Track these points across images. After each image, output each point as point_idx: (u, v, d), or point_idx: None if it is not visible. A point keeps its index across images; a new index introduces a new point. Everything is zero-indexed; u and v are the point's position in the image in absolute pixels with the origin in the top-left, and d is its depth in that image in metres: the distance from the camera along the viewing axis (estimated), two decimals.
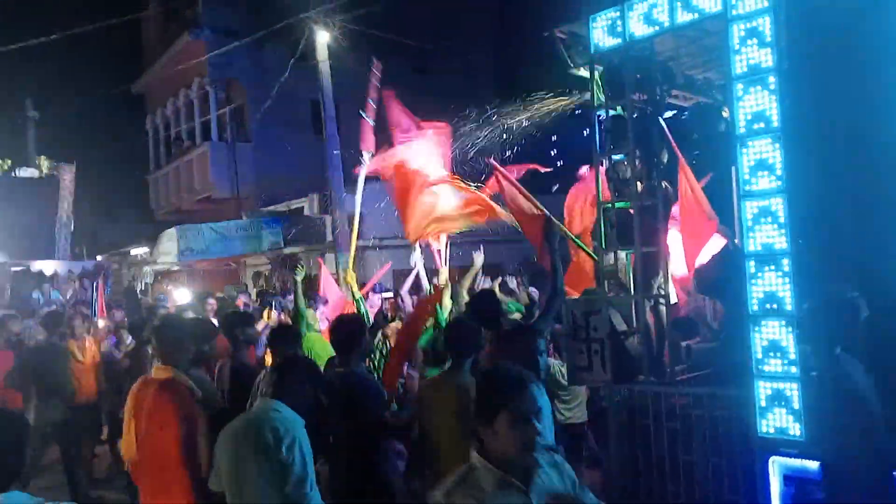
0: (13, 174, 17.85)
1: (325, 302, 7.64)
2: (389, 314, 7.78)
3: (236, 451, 3.36)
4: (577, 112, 7.25)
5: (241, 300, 11.22)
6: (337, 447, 4.04)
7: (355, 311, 7.13)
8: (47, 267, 14.31)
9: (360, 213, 15.08)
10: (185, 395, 3.98)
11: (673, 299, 5.80)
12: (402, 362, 5.82)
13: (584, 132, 6.86)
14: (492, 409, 2.31)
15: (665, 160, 6.00)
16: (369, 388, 4.26)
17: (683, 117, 6.85)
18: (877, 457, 3.23)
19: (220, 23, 18.89)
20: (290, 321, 7.37)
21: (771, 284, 4.75)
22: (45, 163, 18.22)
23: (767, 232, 4.75)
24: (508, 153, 7.90)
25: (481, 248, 7.59)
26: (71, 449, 7.54)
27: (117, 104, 23.04)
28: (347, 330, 4.34)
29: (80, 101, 20.50)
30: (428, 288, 7.91)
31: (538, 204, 6.44)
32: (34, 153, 20.06)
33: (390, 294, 9.62)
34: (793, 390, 4.66)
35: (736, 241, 5.38)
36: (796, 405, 4.63)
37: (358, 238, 14.74)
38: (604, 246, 5.83)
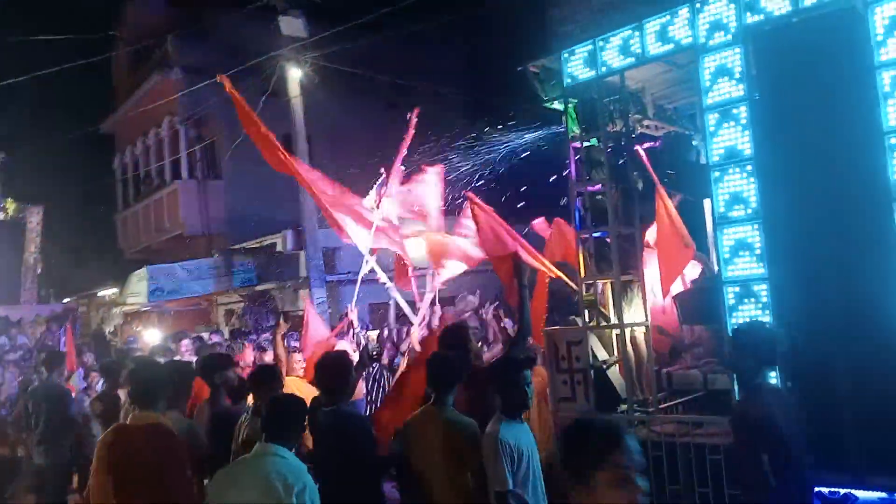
0: None
1: (299, 350, 7.47)
2: (375, 352, 7.66)
3: (241, 498, 3.24)
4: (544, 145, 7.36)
5: (213, 339, 11.01)
6: (328, 487, 3.93)
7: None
8: (13, 311, 13.95)
9: (335, 249, 15.10)
10: (175, 439, 3.84)
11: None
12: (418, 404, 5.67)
13: (557, 163, 6.93)
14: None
15: (640, 188, 6.08)
16: (359, 426, 4.18)
17: (655, 147, 6.96)
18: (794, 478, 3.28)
19: (190, 61, 18.85)
20: (265, 360, 7.24)
21: (750, 313, 4.82)
22: (11, 205, 17.87)
23: (744, 262, 4.83)
24: (484, 183, 7.94)
25: (478, 292, 7.60)
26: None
27: (86, 144, 22.77)
28: (335, 368, 4.26)
29: (48, 142, 20.18)
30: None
31: (515, 234, 6.46)
32: (0, 195, 19.69)
33: (374, 331, 9.50)
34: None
35: (716, 269, 5.42)
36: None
37: (333, 272, 14.75)
38: (582, 275, 5.86)
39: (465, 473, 3.81)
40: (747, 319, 4.69)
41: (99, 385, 8.25)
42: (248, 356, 7.57)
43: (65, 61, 13.61)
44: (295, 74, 13.21)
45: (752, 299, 4.77)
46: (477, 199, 6.69)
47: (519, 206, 7.65)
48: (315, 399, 4.29)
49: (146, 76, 20.50)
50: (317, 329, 7.33)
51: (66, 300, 19.45)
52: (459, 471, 3.82)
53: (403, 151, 7.49)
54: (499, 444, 3.60)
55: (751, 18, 4.93)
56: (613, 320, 5.86)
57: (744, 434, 3.32)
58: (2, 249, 16.34)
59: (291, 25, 12.97)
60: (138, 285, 16.48)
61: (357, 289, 7.62)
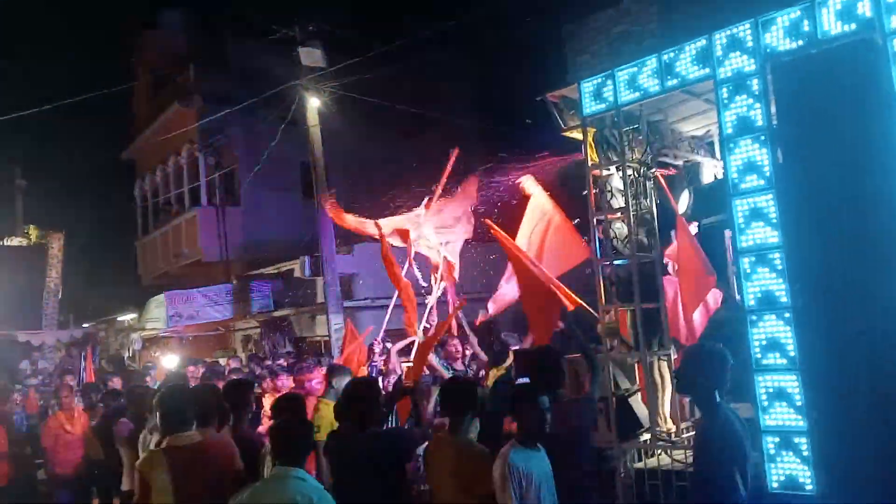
0: (1, 244, 17.73)
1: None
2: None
3: None
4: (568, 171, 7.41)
5: (230, 364, 11.07)
6: None
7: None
8: (35, 337, 14.12)
9: (352, 275, 15.19)
10: (230, 450, 3.99)
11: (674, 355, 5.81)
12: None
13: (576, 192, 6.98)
14: None
15: (658, 217, 6.11)
16: (396, 444, 4.22)
17: (675, 175, 7.00)
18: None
19: (210, 90, 19.19)
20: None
21: (772, 332, 4.80)
22: (33, 231, 18.15)
23: (766, 280, 4.83)
24: (503, 213, 8.02)
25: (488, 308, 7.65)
26: None
27: (106, 172, 23.19)
28: (362, 393, 4.29)
29: (69, 169, 20.59)
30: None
31: (534, 262, 6.50)
32: (22, 222, 19.99)
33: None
34: (801, 440, 4.67)
35: (737, 296, 5.42)
36: (805, 453, 4.62)
37: (350, 298, 14.82)
38: (603, 302, 5.87)
39: (474, 498, 3.82)
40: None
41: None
42: (283, 383, 7.55)
43: (87, 89, 13.91)
44: (314, 103, 13.41)
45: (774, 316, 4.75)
46: (496, 228, 6.75)
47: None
48: (343, 426, 4.31)
49: (166, 104, 20.87)
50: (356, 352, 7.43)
51: (85, 325, 19.63)
52: (469, 495, 3.84)
53: (440, 188, 7.74)
54: (507, 468, 3.64)
55: (769, 49, 4.99)
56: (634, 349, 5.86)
57: (716, 453, 3.33)
58: (24, 275, 16.54)
59: (311, 55, 13.18)
60: (157, 311, 16.63)
61: (388, 315, 7.76)
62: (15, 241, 17.83)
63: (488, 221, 6.95)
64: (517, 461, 3.67)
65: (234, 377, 8.31)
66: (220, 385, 5.74)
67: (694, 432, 5.78)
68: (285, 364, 9.52)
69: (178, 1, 22.91)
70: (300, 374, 6.82)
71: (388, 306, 8.54)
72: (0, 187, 21.30)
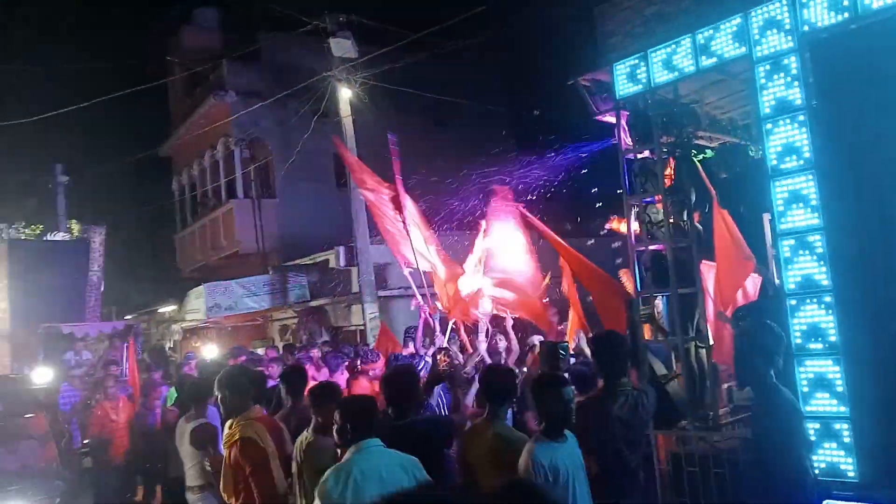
0: (45, 238, 18.19)
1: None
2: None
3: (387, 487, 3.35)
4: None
5: (270, 354, 11.21)
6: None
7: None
8: (78, 329, 14.47)
9: (386, 265, 15.28)
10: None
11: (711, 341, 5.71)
12: None
13: (610, 176, 6.90)
14: None
15: (694, 200, 6.00)
16: (434, 431, 4.25)
17: (710, 157, 6.87)
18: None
19: (244, 84, 19.42)
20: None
21: (813, 317, 4.69)
22: (75, 226, 18.59)
23: (807, 265, 4.71)
24: (536, 199, 7.95)
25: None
26: None
27: (145, 167, 23.62)
28: (401, 380, 4.32)
29: (109, 166, 20.99)
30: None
31: (570, 248, 6.45)
32: (65, 217, 20.49)
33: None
34: (843, 427, 4.56)
35: (777, 280, 5.30)
36: (847, 440, 4.52)
37: (384, 288, 14.92)
38: (639, 289, 5.80)
39: None
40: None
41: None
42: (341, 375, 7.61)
43: (123, 86, 14.17)
44: (345, 94, 13.48)
45: (815, 300, 4.64)
46: (529, 215, 6.72)
47: (569, 221, 7.59)
48: (383, 412, 4.34)
49: (201, 100, 21.16)
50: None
51: (127, 317, 20.08)
52: None
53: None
54: (531, 465, 3.58)
55: (806, 27, 4.85)
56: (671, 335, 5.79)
57: (784, 438, 3.26)
58: (67, 269, 16.94)
59: (341, 47, 13.24)
60: (196, 302, 16.94)
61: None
62: (58, 236, 18.29)
63: (521, 208, 6.91)
64: (541, 457, 3.60)
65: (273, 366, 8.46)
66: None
67: (741, 416, 5.70)
68: (319, 354, 9.58)
69: None
70: (366, 364, 6.89)
71: (424, 295, 8.54)
72: (43, 184, 21.83)
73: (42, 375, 9.35)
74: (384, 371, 6.42)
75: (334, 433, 3.64)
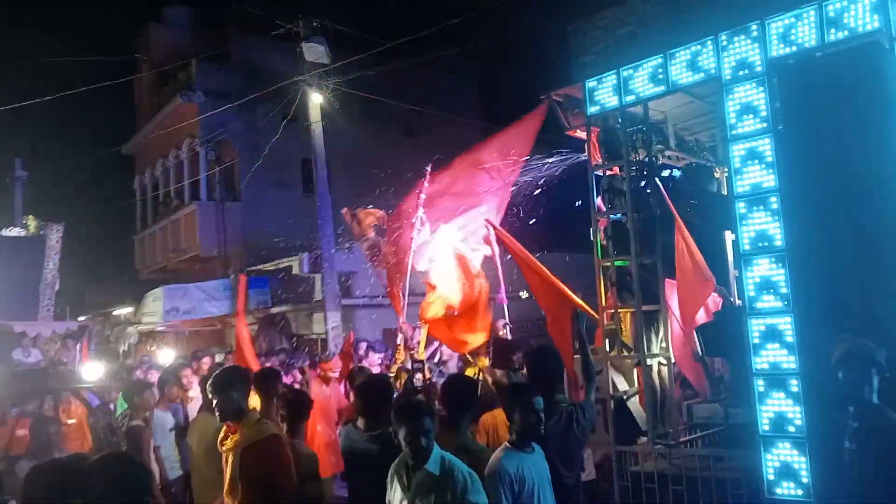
0: None
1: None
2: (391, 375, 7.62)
3: None
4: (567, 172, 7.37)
5: (229, 360, 11.00)
6: None
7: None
8: (31, 327, 14.03)
9: (350, 273, 15.15)
10: None
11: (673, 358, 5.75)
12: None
13: (578, 191, 6.93)
14: None
15: (660, 218, 6.06)
16: None
17: (676, 177, 6.96)
18: None
19: (212, 85, 19.15)
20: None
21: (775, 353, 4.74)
22: (32, 222, 18.06)
23: (770, 301, 4.77)
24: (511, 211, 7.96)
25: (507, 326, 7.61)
26: None
27: (107, 165, 23.17)
28: (376, 390, 4.22)
29: (70, 162, 20.53)
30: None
31: (536, 263, 6.45)
32: (21, 213, 19.90)
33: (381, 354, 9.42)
34: (800, 457, 4.60)
35: (737, 301, 5.37)
36: (804, 473, 4.55)
37: (348, 296, 14.78)
38: (603, 304, 5.83)
39: None
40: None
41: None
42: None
43: (89, 82, 13.83)
44: (316, 100, 13.36)
45: (777, 341, 4.69)
46: (498, 227, 6.70)
47: (533, 233, 7.61)
48: (348, 422, 4.24)
49: (168, 99, 20.82)
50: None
51: (81, 318, 19.54)
52: None
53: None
54: (497, 474, 3.55)
55: (776, 51, 4.94)
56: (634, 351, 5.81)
57: None
58: (22, 266, 16.43)
59: (314, 52, 13.13)
60: (154, 305, 16.56)
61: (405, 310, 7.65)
62: (14, 232, 17.73)
63: (489, 222, 6.89)
64: (507, 466, 3.57)
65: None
66: None
67: (700, 434, 5.73)
68: (277, 363, 9.45)
69: None
70: (324, 362, 6.95)
71: (384, 305, 8.48)
72: (0, 177, 21.23)
73: (93, 371, 7.89)
74: (349, 380, 6.35)
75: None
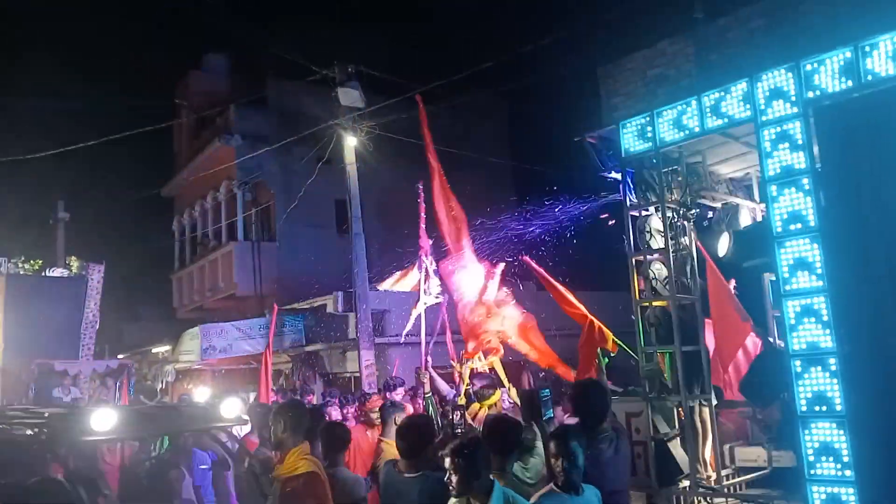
0: (43, 274, 18.15)
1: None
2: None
3: None
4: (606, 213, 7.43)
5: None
6: None
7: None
8: (72, 366, 14.32)
9: (384, 311, 15.25)
10: None
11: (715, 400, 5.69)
12: None
13: (614, 233, 6.97)
14: None
15: (697, 259, 6.06)
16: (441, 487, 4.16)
17: (712, 217, 6.96)
18: None
19: (249, 129, 19.69)
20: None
21: (818, 384, 4.70)
22: (74, 262, 18.56)
23: (812, 331, 4.74)
24: (539, 253, 8.02)
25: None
26: None
27: (146, 206, 23.78)
28: (419, 432, 4.19)
29: (110, 204, 21.16)
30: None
31: (572, 298, 6.49)
32: (64, 253, 20.48)
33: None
34: (849, 495, 4.53)
35: (778, 342, 5.32)
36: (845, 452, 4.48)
37: (381, 335, 14.85)
38: (643, 345, 5.81)
39: None
40: None
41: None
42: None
43: (130, 127, 14.33)
44: (350, 142, 13.65)
45: (820, 367, 4.65)
46: (534, 264, 6.76)
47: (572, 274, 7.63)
48: (390, 463, 4.24)
49: (207, 142, 21.42)
50: None
51: (120, 356, 19.89)
52: None
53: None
54: None
55: (810, 94, 4.98)
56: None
57: None
58: (64, 305, 16.85)
59: (349, 96, 13.47)
60: (191, 343, 16.79)
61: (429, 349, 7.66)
62: (57, 272, 18.24)
63: (526, 258, 6.96)
64: None
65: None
66: None
67: (743, 478, 5.63)
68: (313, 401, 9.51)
69: (221, 43, 23.68)
70: (366, 403, 6.84)
71: (419, 343, 8.48)
72: (43, 219, 21.89)
73: (231, 408, 5.87)
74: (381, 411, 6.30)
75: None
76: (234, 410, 5.20)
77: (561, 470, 3.68)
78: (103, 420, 4.08)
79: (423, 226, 8.03)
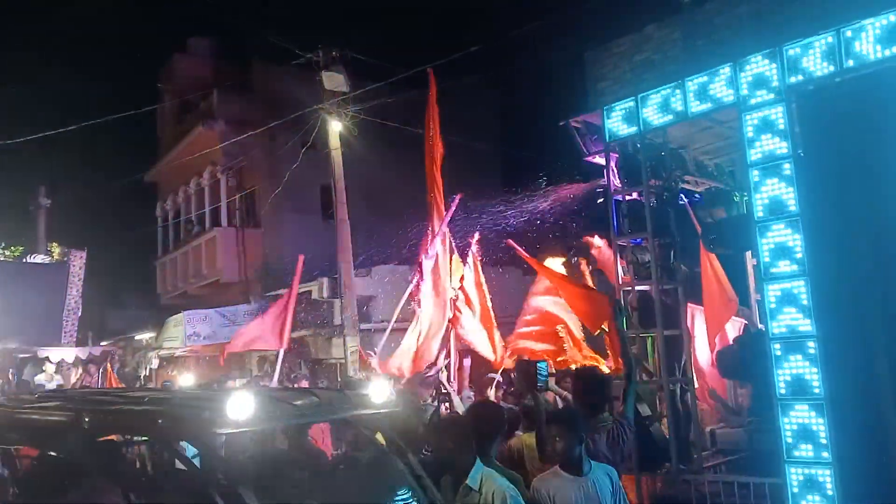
0: (24, 260, 17.95)
1: None
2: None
3: None
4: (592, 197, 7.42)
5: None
6: None
7: None
8: (54, 353, 14.21)
9: (369, 298, 15.22)
10: None
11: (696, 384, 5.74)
12: None
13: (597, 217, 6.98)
14: None
15: (679, 242, 6.09)
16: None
17: (696, 201, 6.99)
18: None
19: (233, 113, 19.47)
20: None
21: (798, 368, 4.74)
22: (56, 249, 18.36)
23: (792, 315, 4.78)
24: (523, 236, 8.00)
25: None
26: None
27: (129, 192, 23.47)
28: (489, 417, 4.13)
29: (92, 190, 20.90)
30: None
31: (560, 274, 6.51)
32: (45, 239, 20.24)
33: None
34: (825, 476, 4.59)
35: (759, 325, 5.37)
36: (829, 491, 4.54)
37: (367, 321, 14.84)
38: (625, 329, 5.83)
39: None
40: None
41: None
42: None
43: (112, 111, 14.16)
44: (335, 127, 13.55)
45: (799, 354, 4.70)
46: (517, 247, 6.76)
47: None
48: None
49: (190, 127, 21.17)
50: None
51: (103, 343, 19.73)
52: None
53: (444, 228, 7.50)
54: (533, 492, 3.63)
55: (793, 79, 4.99)
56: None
57: None
58: (45, 291, 16.68)
59: (334, 80, 13.35)
60: (175, 330, 16.72)
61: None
62: (38, 258, 18.04)
63: (510, 242, 6.95)
64: (540, 487, 3.64)
65: None
66: None
67: (725, 459, 5.69)
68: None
69: (205, 28, 23.39)
70: None
71: (404, 329, 8.45)
72: (24, 205, 21.61)
73: (381, 391, 5.92)
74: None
75: None
76: (384, 394, 4.04)
77: (561, 450, 3.70)
78: (242, 407, 3.00)
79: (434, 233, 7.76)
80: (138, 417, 3.18)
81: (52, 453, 3.55)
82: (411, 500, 3.46)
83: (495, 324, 7.18)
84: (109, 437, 3.42)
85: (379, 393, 3.78)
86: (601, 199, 6.61)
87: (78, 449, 3.08)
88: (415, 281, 7.60)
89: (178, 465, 3.65)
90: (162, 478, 3.60)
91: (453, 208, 7.68)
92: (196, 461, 3.42)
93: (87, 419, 3.12)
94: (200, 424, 2.95)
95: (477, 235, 7.56)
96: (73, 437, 3.08)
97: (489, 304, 7.23)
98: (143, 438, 3.78)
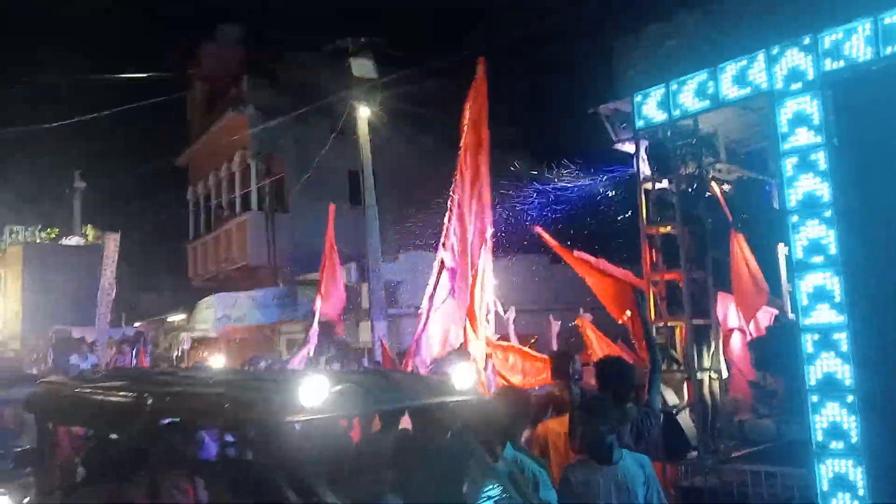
0: (59, 242, 18.37)
1: None
2: None
3: None
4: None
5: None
6: None
7: None
8: (88, 333, 14.56)
9: (397, 283, 15.31)
10: None
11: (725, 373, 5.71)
12: None
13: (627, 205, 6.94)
14: None
15: (711, 232, 6.04)
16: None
17: (727, 190, 6.91)
18: None
19: (263, 100, 19.64)
20: None
21: (830, 364, 4.69)
22: (91, 231, 18.77)
23: (825, 311, 4.72)
24: (552, 224, 7.99)
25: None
26: None
27: (161, 176, 23.87)
28: (517, 402, 4.19)
29: (126, 173, 21.31)
30: None
31: (585, 259, 6.51)
32: (80, 222, 20.70)
33: None
34: (856, 474, 4.54)
35: (790, 315, 5.32)
36: (861, 491, 4.49)
37: (395, 306, 14.94)
38: (653, 317, 5.82)
39: None
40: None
41: None
42: None
43: (145, 97, 14.38)
44: (364, 114, 13.61)
45: (832, 350, 4.65)
46: (546, 235, 6.77)
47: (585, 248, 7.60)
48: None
49: (221, 113, 21.39)
50: None
51: (136, 324, 20.17)
52: None
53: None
54: (561, 484, 3.66)
55: (832, 65, 4.90)
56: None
57: None
58: (80, 273, 17.12)
59: (362, 67, 13.40)
60: (206, 312, 17.01)
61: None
62: (73, 241, 18.46)
63: (539, 229, 6.96)
64: (569, 475, 3.69)
65: None
66: None
67: (752, 450, 5.67)
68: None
69: (235, 16, 23.55)
70: None
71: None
72: (60, 189, 22.10)
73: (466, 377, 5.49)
74: None
75: None
76: (468, 380, 3.68)
77: (590, 440, 3.69)
78: (315, 391, 2.63)
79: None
80: (203, 400, 2.97)
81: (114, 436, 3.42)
82: (500, 495, 3.28)
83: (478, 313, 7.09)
84: (174, 420, 3.18)
85: (463, 378, 3.48)
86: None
87: (140, 433, 2.97)
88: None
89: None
90: (229, 466, 3.32)
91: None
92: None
93: (149, 402, 3.00)
94: (270, 410, 2.67)
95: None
96: (135, 420, 2.96)
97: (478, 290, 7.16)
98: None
